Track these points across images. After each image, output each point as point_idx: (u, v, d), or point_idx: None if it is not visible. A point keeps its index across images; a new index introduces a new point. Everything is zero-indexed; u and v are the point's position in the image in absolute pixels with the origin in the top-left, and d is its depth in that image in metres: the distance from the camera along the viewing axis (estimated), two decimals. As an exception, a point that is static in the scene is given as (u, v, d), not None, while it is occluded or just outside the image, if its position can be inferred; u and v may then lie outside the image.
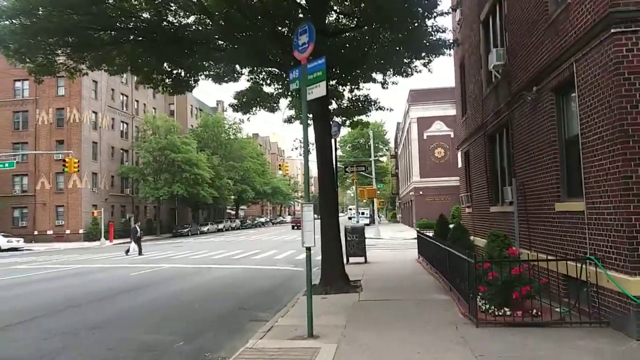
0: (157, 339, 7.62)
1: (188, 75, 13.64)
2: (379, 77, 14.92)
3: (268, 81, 14.60)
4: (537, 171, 9.23)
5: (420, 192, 43.23)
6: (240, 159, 66.89)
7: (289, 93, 14.95)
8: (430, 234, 19.79)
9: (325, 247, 11.22)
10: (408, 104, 45.49)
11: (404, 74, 14.05)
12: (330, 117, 15.28)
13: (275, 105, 15.55)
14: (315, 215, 7.17)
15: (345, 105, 16.02)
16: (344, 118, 16.69)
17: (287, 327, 7.62)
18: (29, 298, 12.34)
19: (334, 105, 16.19)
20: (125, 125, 54.69)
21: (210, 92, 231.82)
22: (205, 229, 57.87)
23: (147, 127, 52.71)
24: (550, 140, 8.53)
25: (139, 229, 27.19)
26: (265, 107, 15.47)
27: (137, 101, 56.95)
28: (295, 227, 57.20)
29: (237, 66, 14.04)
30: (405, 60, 13.40)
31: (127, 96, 54.90)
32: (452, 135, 42.60)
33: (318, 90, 7.08)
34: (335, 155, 14.11)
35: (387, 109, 15.60)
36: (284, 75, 13.30)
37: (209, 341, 7.39)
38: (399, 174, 66.30)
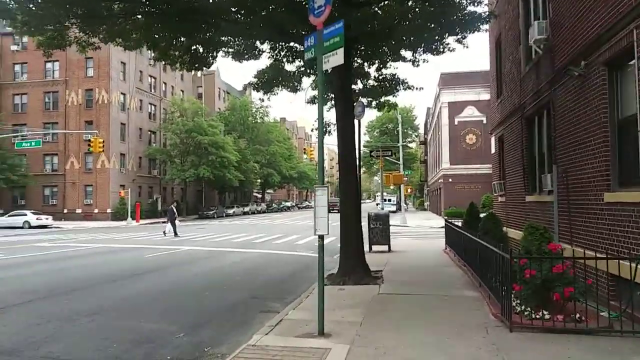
0: (158, 329, 7.06)
1: (206, 51, 13.00)
2: (408, 54, 13.99)
3: (290, 58, 13.84)
4: (582, 157, 8.22)
5: (450, 180, 41.94)
6: (267, 142, 66.52)
7: (311, 71, 14.19)
8: (459, 224, 18.85)
9: (344, 235, 10.48)
10: (439, 88, 43.96)
11: (435, 52, 13.05)
12: (355, 98, 14.46)
13: (297, 84, 14.81)
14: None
15: (371, 85, 15.16)
16: (369, 99, 15.82)
17: (298, 321, 6.94)
18: (37, 278, 12.12)
19: (359, 86, 15.39)
20: (153, 107, 54.88)
21: (237, 75, 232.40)
22: (231, 211, 57.90)
23: (175, 109, 52.76)
24: (600, 121, 7.50)
25: (175, 210, 26.75)
26: (287, 87, 14.75)
27: (165, 83, 57.02)
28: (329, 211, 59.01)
29: (257, 42, 13.37)
30: (436, 37, 12.42)
31: (155, 78, 55.00)
32: (485, 121, 41.01)
33: (335, 59, 6.26)
34: (359, 138, 13.28)
35: (417, 89, 14.65)
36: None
37: (213, 334, 6.80)
38: (428, 161, 64.81)
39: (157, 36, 11.85)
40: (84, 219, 45.55)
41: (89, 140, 30.62)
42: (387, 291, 9.06)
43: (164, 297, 9.59)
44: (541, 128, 11.27)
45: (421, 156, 76.16)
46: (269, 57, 13.85)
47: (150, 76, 54.21)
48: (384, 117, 72.65)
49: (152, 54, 13.60)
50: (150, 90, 54.18)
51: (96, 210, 46.45)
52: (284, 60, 13.95)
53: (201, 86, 68.06)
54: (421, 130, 76.99)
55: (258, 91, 14.78)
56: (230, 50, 13.22)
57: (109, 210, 46.18)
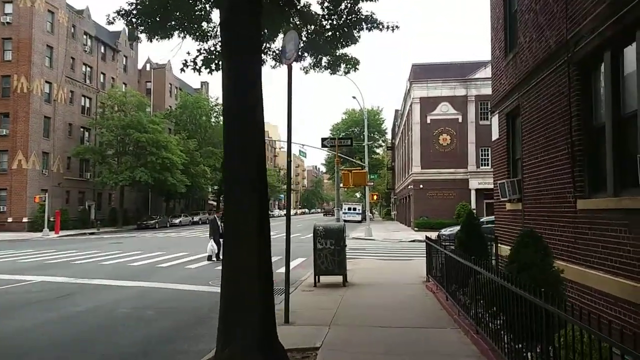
0: None
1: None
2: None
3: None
4: None
5: (421, 186, 36.94)
6: (222, 144, 60.22)
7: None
8: (434, 236, 13.54)
9: (228, 281, 4.84)
10: (409, 82, 39.03)
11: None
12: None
13: (206, 26, 9.30)
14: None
15: (318, 27, 9.70)
16: (319, 55, 10.34)
17: None
18: None
19: (303, 36, 10.01)
20: (87, 101, 47.89)
21: (195, 75, 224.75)
22: (177, 221, 51.27)
23: (113, 102, 45.97)
24: None
25: (219, 222, 17.36)
26: (189, 31, 9.22)
27: (103, 74, 50.17)
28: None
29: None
30: None
31: (91, 67, 48.14)
32: (461, 120, 36.36)
33: None
34: (290, 92, 7.76)
35: (389, 28, 9.22)
36: None
37: None
38: (396, 167, 60.03)
39: None
40: (-4, 229, 38.27)
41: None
42: None
43: None
44: (618, 70, 5.99)
45: (388, 162, 71.40)
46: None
47: (85, 65, 47.32)
48: (349, 120, 68.20)
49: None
50: (85, 81, 47.24)
51: (10, 219, 39.09)
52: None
53: (150, 81, 61.62)
54: (389, 136, 72.36)
55: (135, 29, 9.07)
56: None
57: (25, 219, 38.95)
